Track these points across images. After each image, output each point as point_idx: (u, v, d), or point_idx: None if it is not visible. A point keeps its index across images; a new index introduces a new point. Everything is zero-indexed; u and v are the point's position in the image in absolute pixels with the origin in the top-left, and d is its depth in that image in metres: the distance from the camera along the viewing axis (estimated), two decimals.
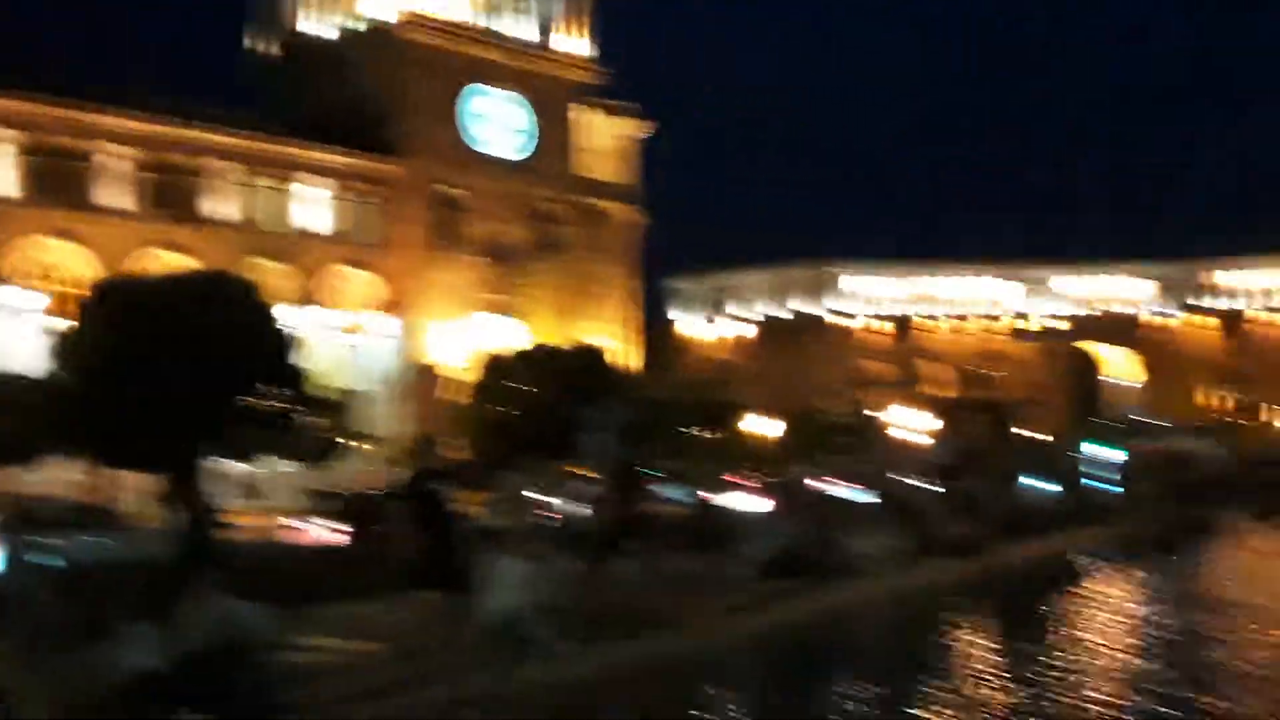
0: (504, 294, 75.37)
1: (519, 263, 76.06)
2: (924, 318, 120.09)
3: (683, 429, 57.77)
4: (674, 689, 22.39)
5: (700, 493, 40.88)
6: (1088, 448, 70.05)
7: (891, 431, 75.31)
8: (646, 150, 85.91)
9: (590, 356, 45.62)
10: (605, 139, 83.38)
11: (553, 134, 78.66)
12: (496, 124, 76.91)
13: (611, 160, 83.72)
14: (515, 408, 41.19)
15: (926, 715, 20.25)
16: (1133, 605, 33.56)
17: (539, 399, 40.56)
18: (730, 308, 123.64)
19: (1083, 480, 56.22)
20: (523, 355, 46.09)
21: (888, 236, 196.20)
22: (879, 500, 42.22)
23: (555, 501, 36.06)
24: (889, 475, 48.88)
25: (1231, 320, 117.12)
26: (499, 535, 27.34)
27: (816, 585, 30.81)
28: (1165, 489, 57.55)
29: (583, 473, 36.49)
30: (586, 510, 31.60)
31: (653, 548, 30.21)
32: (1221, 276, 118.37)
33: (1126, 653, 26.08)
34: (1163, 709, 20.68)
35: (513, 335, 69.54)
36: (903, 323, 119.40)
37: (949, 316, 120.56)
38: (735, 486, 44.64)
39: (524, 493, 37.36)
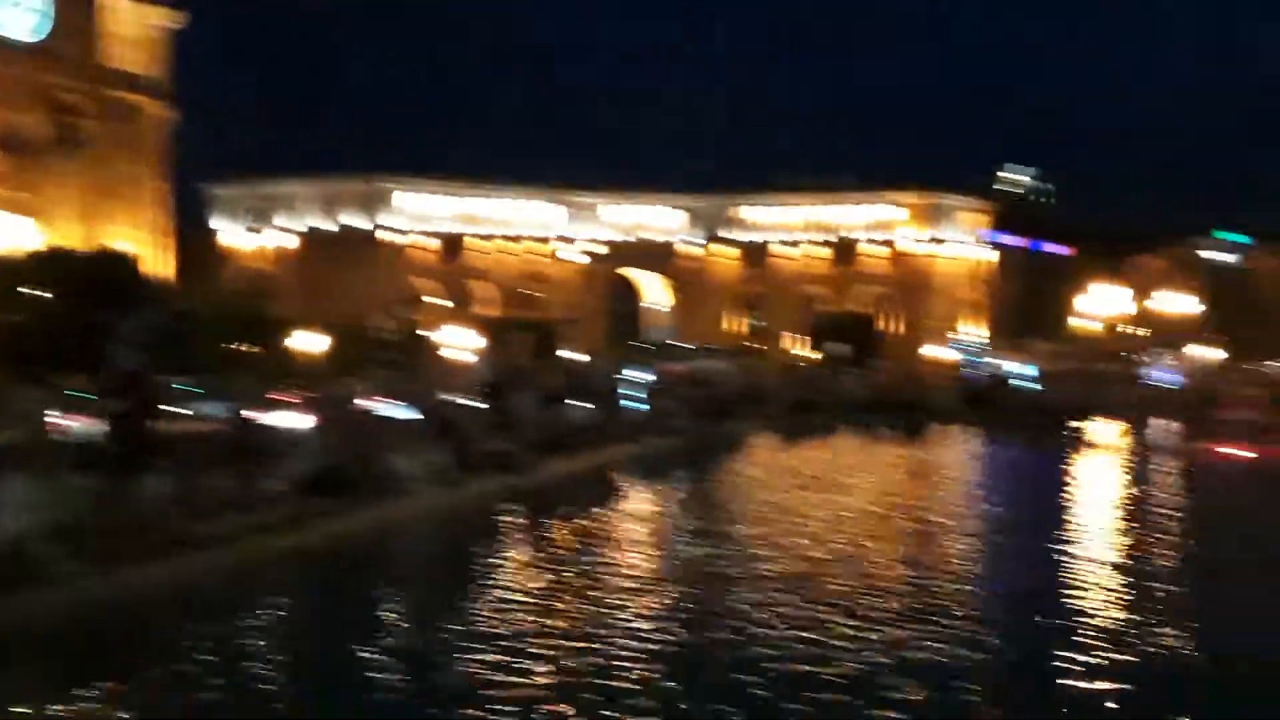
0: (18, 190, 68.12)
1: (36, 156, 68.95)
2: (476, 237, 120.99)
3: (224, 343, 55.00)
4: (195, 610, 21.23)
5: (240, 409, 38.99)
6: (625, 369, 73.57)
7: (441, 350, 75.49)
8: (182, 44, 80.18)
9: (115, 262, 42.21)
10: (133, 27, 76.82)
11: (73, 16, 71.53)
12: (9, 1, 68.97)
13: (141, 51, 77.34)
14: (25, 315, 37.38)
15: (457, 628, 20.36)
16: (661, 516, 35.54)
17: (54, 306, 37.02)
18: (278, 218, 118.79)
19: (620, 401, 58.78)
20: (35, 257, 41.88)
21: (442, 153, 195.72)
22: (422, 418, 42.11)
23: (70, 416, 33.11)
24: (435, 393, 48.84)
25: (754, 252, 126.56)
26: (4, 453, 24.75)
27: (357, 503, 30.30)
28: (690, 408, 61.48)
29: (104, 386, 33.66)
30: (107, 426, 29.16)
31: (185, 466, 28.46)
32: (747, 212, 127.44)
33: (653, 561, 27.54)
34: (688, 603, 22.01)
35: (28, 236, 63.02)
36: (454, 242, 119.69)
37: (500, 237, 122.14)
38: (278, 403, 42.97)
39: (34, 406, 34.03)
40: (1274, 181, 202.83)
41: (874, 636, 19.69)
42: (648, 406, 59.16)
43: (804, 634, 19.77)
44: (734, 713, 16.05)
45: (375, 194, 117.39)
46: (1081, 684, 17.45)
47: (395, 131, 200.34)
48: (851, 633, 19.93)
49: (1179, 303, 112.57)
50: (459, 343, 77.14)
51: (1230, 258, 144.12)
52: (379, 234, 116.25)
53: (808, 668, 17.90)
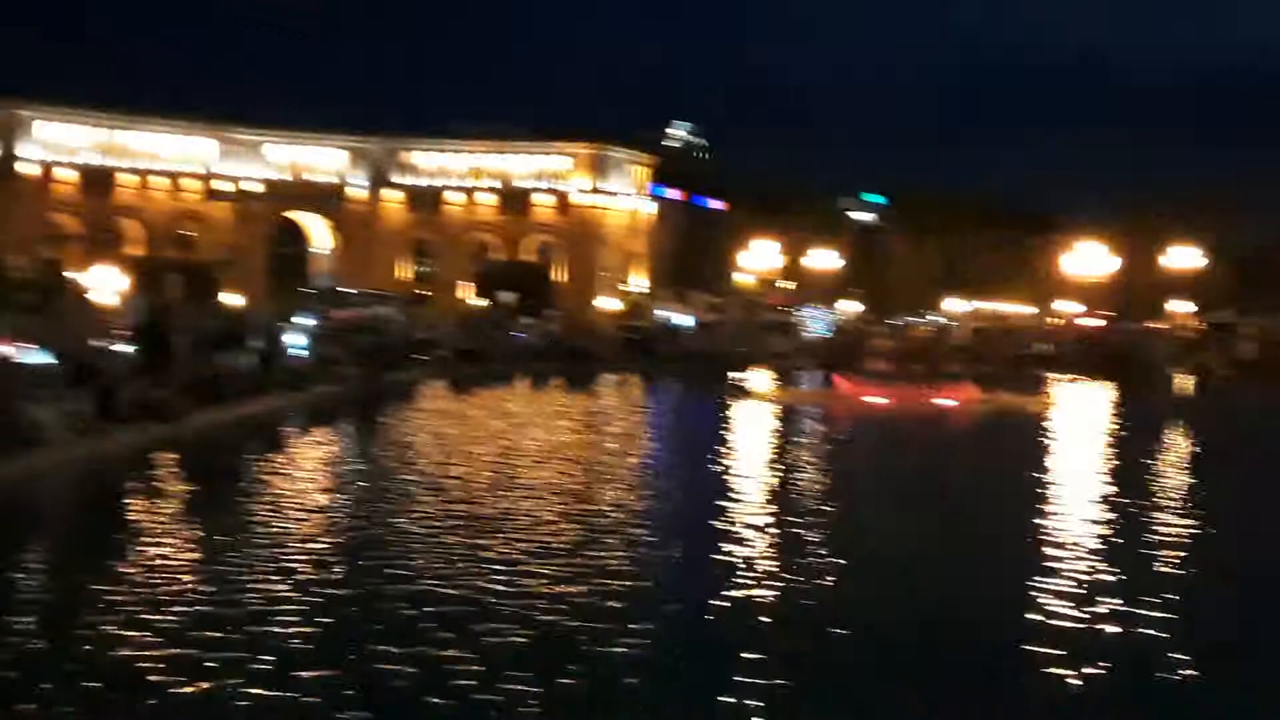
0: None
1: None
2: (126, 172, 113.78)
3: None
4: None
5: None
6: (288, 314, 71.58)
7: (85, 292, 71.07)
8: None
9: None
10: None
11: None
12: None
13: None
14: None
15: (108, 594, 19.26)
16: (321, 466, 34.74)
17: None
18: None
19: (283, 347, 57.18)
20: None
21: (82, 82, 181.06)
22: (58, 363, 39.39)
23: None
24: (76, 337, 45.90)
25: (424, 198, 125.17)
26: None
27: None
28: (355, 355, 60.50)
29: None
30: None
31: None
32: (417, 157, 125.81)
33: (308, 511, 26.82)
34: (341, 556, 21.66)
35: None
36: (101, 176, 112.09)
37: (152, 173, 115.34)
38: None
39: None
40: (912, 144, 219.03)
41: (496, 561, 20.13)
42: (311, 353, 57.76)
43: (469, 584, 19.98)
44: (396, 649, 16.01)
45: (9, 122, 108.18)
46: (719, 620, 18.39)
47: (34, 54, 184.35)
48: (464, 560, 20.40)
49: (825, 259, 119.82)
50: (105, 284, 72.56)
51: (869, 217, 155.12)
52: (18, 165, 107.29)
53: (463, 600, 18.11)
